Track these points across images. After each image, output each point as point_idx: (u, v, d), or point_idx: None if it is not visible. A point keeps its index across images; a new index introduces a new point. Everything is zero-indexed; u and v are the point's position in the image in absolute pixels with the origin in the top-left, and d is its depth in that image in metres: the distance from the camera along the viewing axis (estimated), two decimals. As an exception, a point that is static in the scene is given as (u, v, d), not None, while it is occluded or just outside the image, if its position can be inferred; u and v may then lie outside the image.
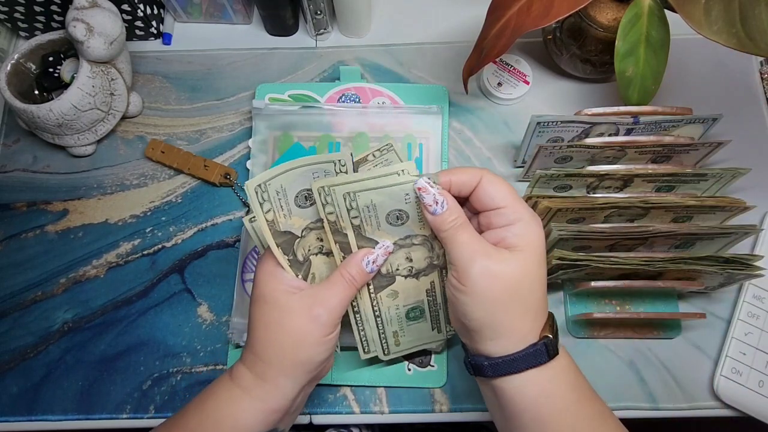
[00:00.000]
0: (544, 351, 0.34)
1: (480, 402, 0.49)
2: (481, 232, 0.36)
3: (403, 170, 0.36)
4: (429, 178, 0.36)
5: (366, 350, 0.45)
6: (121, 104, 0.57)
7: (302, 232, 0.39)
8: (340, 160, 0.37)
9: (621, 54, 0.46)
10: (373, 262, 0.39)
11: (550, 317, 0.36)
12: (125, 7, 0.57)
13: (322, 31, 0.62)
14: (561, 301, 0.52)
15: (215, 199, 0.57)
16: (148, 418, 0.50)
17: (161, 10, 0.63)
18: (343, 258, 0.39)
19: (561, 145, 0.47)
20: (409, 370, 0.50)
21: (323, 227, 0.39)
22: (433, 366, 0.50)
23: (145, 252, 0.55)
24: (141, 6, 0.58)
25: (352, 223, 0.38)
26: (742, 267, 0.43)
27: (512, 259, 0.34)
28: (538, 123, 0.48)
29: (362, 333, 0.44)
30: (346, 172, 0.38)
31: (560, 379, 0.35)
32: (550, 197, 0.47)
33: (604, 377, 0.50)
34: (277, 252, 0.38)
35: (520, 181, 0.56)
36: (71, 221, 0.56)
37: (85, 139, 0.56)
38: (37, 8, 0.57)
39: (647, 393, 0.49)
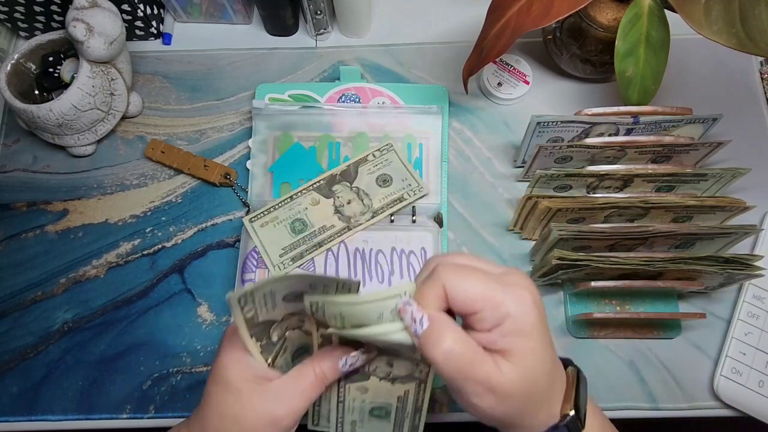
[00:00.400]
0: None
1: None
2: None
3: (405, 292, 0.31)
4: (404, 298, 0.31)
5: (315, 422, 0.41)
6: (121, 104, 0.57)
7: (283, 317, 0.37)
8: (340, 283, 0.34)
9: (621, 54, 0.46)
10: (351, 365, 0.35)
11: (575, 378, 0.32)
12: (125, 7, 0.57)
13: (322, 31, 0.62)
14: (561, 301, 0.52)
15: (215, 199, 0.57)
16: (148, 418, 0.50)
17: (161, 10, 0.63)
18: (320, 344, 0.37)
19: (561, 145, 0.47)
20: (409, 370, 0.50)
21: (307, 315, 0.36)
22: (433, 366, 0.50)
23: (145, 252, 0.55)
24: (141, 6, 0.58)
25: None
26: (742, 267, 0.43)
27: (510, 371, 0.29)
28: (538, 123, 0.48)
29: (317, 408, 0.41)
30: (347, 291, 0.34)
31: None
32: (550, 197, 0.47)
33: (604, 377, 0.50)
34: (250, 341, 0.35)
35: (520, 181, 0.56)
36: (71, 221, 0.56)
37: (85, 139, 0.56)
38: (37, 8, 0.57)
39: (647, 393, 0.49)
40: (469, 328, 0.30)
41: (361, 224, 0.50)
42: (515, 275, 0.31)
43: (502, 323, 0.29)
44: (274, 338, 0.37)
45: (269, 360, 0.37)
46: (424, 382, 0.38)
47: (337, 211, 0.51)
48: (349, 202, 0.51)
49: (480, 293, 0.29)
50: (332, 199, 0.52)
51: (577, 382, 0.32)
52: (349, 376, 0.38)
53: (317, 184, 0.53)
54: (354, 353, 0.36)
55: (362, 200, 0.51)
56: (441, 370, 0.29)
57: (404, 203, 0.52)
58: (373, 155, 0.43)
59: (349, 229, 0.48)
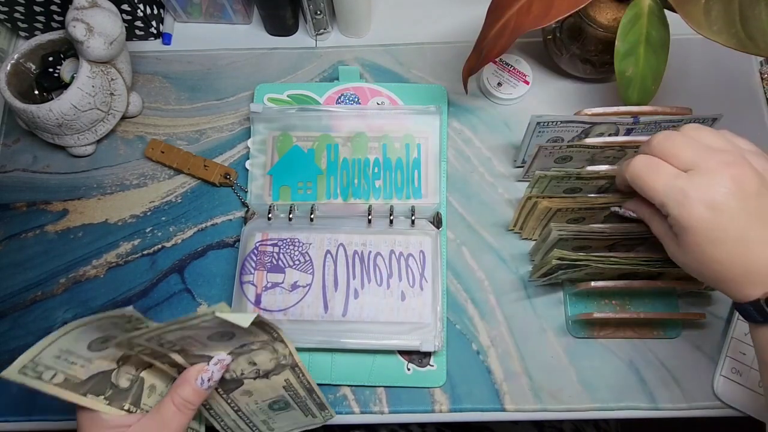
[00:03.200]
0: None
1: (480, 402, 0.49)
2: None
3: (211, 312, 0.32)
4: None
5: None
6: (121, 104, 0.57)
7: (118, 362, 0.36)
8: (125, 315, 0.33)
9: (621, 54, 0.46)
10: (209, 380, 0.35)
11: None
12: (125, 7, 0.57)
13: (321, 31, 0.62)
14: (561, 301, 0.52)
15: (215, 199, 0.57)
16: (148, 418, 0.50)
17: (161, 10, 0.63)
18: (178, 373, 0.36)
19: (561, 145, 0.47)
20: (409, 369, 0.50)
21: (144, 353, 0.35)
22: (432, 366, 0.50)
23: (145, 252, 0.55)
24: (141, 6, 0.58)
25: (174, 350, 0.35)
26: (742, 267, 0.43)
27: (686, 243, 0.34)
28: (538, 123, 0.48)
29: (222, 424, 0.41)
30: (136, 328, 0.34)
31: None
32: (550, 197, 0.47)
33: (604, 377, 0.50)
34: (86, 401, 0.34)
35: (520, 181, 0.56)
36: (71, 221, 0.56)
37: (85, 139, 0.56)
38: (37, 8, 0.57)
39: (647, 393, 0.49)
40: None
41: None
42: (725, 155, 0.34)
43: (665, 205, 0.34)
44: (124, 384, 0.36)
45: (127, 406, 0.36)
46: (296, 365, 0.38)
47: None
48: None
49: (661, 192, 0.34)
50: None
51: None
52: (226, 387, 0.39)
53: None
54: (206, 368, 0.35)
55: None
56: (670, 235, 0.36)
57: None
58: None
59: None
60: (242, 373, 0.38)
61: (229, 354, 0.36)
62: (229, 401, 0.40)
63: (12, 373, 0.31)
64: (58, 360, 0.33)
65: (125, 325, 0.34)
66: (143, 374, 0.38)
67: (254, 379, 0.39)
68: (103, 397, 0.35)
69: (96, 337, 0.34)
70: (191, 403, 0.35)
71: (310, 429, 0.45)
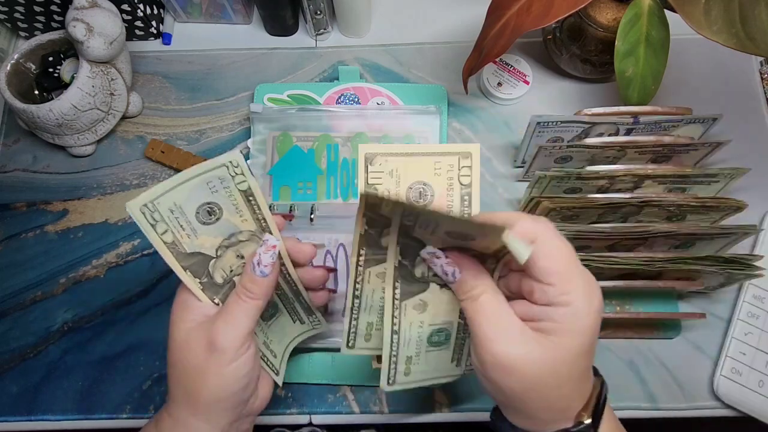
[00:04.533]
0: None
1: (480, 402, 0.49)
2: (518, 295, 0.31)
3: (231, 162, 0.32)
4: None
5: (350, 345, 0.38)
6: (121, 104, 0.57)
7: (217, 251, 0.35)
8: (231, 162, 0.33)
9: (621, 54, 0.46)
10: (260, 264, 0.34)
11: (599, 388, 0.31)
12: (125, 7, 0.57)
13: (322, 31, 0.62)
14: (561, 301, 0.52)
15: (215, 199, 0.57)
16: (148, 418, 0.50)
17: (161, 10, 0.63)
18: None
19: (561, 145, 0.47)
20: (409, 370, 0.50)
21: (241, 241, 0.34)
22: (433, 366, 0.50)
23: (145, 252, 0.55)
24: (141, 6, 0.58)
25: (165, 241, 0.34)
26: (742, 267, 0.43)
27: (539, 353, 0.28)
28: (538, 123, 0.48)
29: (352, 323, 0.37)
30: (242, 174, 0.33)
31: None
32: (550, 197, 0.47)
33: (604, 377, 0.50)
34: (185, 276, 0.34)
35: (520, 181, 0.56)
36: (71, 221, 0.56)
37: (85, 139, 0.56)
38: (37, 8, 0.57)
39: (647, 393, 0.49)
40: (519, 294, 0.30)
41: None
42: (591, 276, 0.30)
43: (558, 307, 0.28)
44: (218, 279, 0.35)
45: (217, 300, 0.36)
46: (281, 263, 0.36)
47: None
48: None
49: (560, 271, 0.28)
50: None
51: (599, 393, 0.31)
52: (405, 288, 0.34)
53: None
54: (256, 253, 0.34)
55: None
56: (466, 312, 0.29)
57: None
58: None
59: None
60: (434, 274, 0.34)
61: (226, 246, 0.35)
62: (395, 314, 0.36)
63: (134, 206, 0.31)
64: (171, 215, 0.33)
65: (230, 173, 0.33)
66: (235, 279, 0.36)
67: (440, 287, 0.35)
68: (198, 281, 0.35)
69: (204, 202, 0.34)
70: (249, 291, 0.34)
71: (440, 381, 0.39)
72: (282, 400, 0.50)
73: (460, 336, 0.37)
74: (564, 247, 0.29)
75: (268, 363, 0.40)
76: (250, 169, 0.55)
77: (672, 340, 0.51)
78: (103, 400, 0.50)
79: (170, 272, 0.53)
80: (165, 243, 0.33)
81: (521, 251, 0.27)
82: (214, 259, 0.35)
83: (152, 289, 0.54)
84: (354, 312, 0.37)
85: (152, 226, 0.32)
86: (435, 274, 0.34)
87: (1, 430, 0.51)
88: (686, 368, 0.50)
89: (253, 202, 0.35)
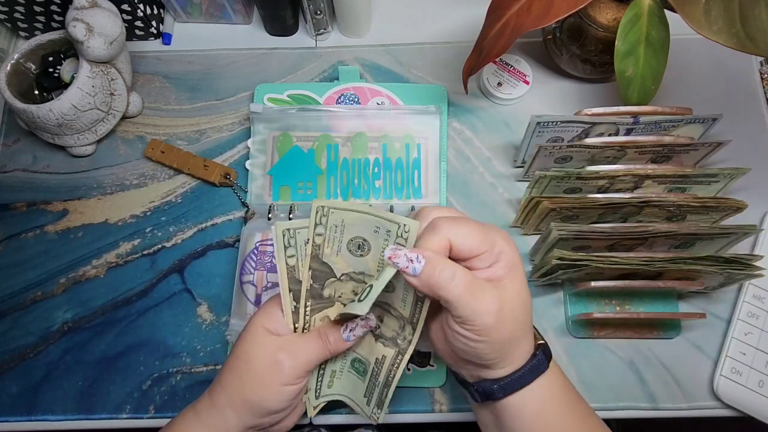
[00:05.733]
0: (543, 358, 0.34)
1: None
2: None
3: (405, 225, 0.34)
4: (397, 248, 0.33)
5: (318, 395, 0.43)
6: (121, 104, 0.57)
7: (341, 276, 0.39)
8: (405, 225, 0.34)
9: (621, 54, 0.46)
10: (351, 331, 0.38)
11: (539, 337, 0.37)
12: (125, 7, 0.57)
13: (322, 31, 0.62)
14: (561, 301, 0.52)
15: (215, 199, 0.57)
16: (148, 418, 0.50)
17: (161, 10, 0.63)
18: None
19: (561, 145, 0.47)
20: (409, 369, 0.50)
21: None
22: (432, 366, 0.50)
23: (145, 252, 0.55)
24: (141, 6, 0.58)
25: (314, 242, 0.38)
26: (742, 267, 0.43)
27: (507, 290, 0.33)
28: (538, 123, 0.48)
29: (322, 374, 0.43)
30: (406, 240, 0.35)
31: (557, 384, 0.35)
32: (550, 197, 0.47)
33: (604, 377, 0.50)
34: (287, 295, 0.38)
35: (519, 180, 0.56)
36: (71, 221, 0.56)
37: (85, 139, 0.56)
38: (37, 8, 0.57)
39: (647, 393, 0.49)
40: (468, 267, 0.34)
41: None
42: (492, 226, 0.35)
43: (499, 259, 0.33)
44: (326, 294, 0.40)
45: (296, 326, 0.40)
46: (402, 354, 0.39)
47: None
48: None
49: (482, 238, 0.33)
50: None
51: (542, 341, 0.36)
52: (314, 307, 0.40)
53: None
54: (354, 321, 0.39)
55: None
56: (449, 295, 0.32)
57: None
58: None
59: (401, 354, 0.40)
60: (340, 295, 0.40)
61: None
62: (307, 318, 0.41)
63: (280, 227, 0.36)
64: (304, 245, 0.38)
65: (399, 232, 0.35)
66: (315, 318, 0.41)
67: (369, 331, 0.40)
68: (294, 304, 0.39)
69: (360, 236, 0.37)
70: (330, 343, 0.39)
71: (352, 405, 0.44)
72: None
73: (372, 380, 0.41)
74: (467, 224, 0.33)
75: (319, 383, 0.43)
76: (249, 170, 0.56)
77: (672, 340, 0.51)
78: (103, 400, 0.50)
79: (170, 272, 0.54)
80: (287, 264, 0.38)
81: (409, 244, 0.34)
82: (334, 279, 0.39)
83: (152, 289, 0.54)
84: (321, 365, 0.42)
85: (285, 248, 0.37)
86: (340, 296, 0.40)
87: (1, 430, 0.51)
88: (686, 368, 0.50)
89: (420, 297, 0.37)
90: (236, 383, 0.38)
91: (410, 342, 0.38)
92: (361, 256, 0.38)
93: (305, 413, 0.43)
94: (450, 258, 0.33)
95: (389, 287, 0.37)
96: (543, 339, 0.36)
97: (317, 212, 0.36)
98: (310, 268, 0.39)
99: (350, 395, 0.43)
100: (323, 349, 0.39)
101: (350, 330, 0.39)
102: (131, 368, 0.51)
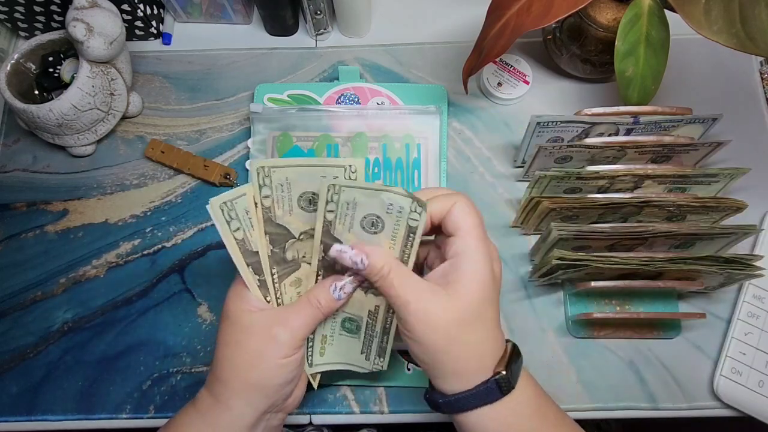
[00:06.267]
0: (495, 388, 0.33)
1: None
2: (436, 263, 0.36)
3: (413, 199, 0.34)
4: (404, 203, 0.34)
5: (310, 363, 0.42)
6: (121, 104, 0.57)
7: (300, 235, 0.38)
8: (350, 166, 0.36)
9: (621, 54, 0.46)
10: (341, 289, 0.38)
11: (511, 348, 0.35)
12: (125, 7, 0.57)
13: (322, 31, 0.62)
14: (561, 301, 0.52)
15: (215, 199, 0.57)
16: (148, 418, 0.50)
17: (161, 10, 0.63)
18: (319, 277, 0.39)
19: (561, 145, 0.47)
20: (409, 369, 0.50)
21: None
22: (433, 366, 0.50)
23: (145, 252, 0.55)
24: (141, 6, 0.58)
25: (326, 219, 0.37)
26: (742, 267, 0.43)
27: (448, 304, 0.32)
28: (538, 123, 0.48)
29: (312, 339, 0.41)
30: (356, 179, 0.36)
31: (519, 412, 0.34)
32: (550, 197, 0.47)
33: (604, 377, 0.50)
34: (247, 271, 0.37)
35: (519, 180, 0.56)
36: (71, 221, 0.56)
37: (85, 139, 0.56)
38: (37, 8, 0.57)
39: (647, 393, 0.49)
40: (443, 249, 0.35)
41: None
42: (493, 245, 0.36)
43: (458, 256, 0.33)
44: (289, 257, 0.39)
45: (269, 298, 0.39)
46: None
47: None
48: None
49: (466, 227, 0.33)
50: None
51: (512, 354, 0.35)
52: (329, 268, 0.39)
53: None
54: (342, 277, 0.38)
55: None
56: (383, 290, 0.34)
57: (419, 231, 0.36)
58: (329, 204, 0.36)
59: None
60: (303, 255, 0.39)
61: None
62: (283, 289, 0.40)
63: (215, 202, 0.34)
64: (246, 215, 0.36)
65: (346, 175, 0.36)
66: (303, 264, 0.40)
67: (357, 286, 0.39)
68: (258, 278, 0.38)
69: (309, 191, 0.37)
70: (322, 306, 0.38)
71: (353, 369, 0.43)
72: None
73: (368, 333, 0.41)
74: (474, 214, 0.34)
75: (309, 352, 0.42)
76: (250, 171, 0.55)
77: (672, 340, 0.51)
78: (103, 400, 0.50)
79: (170, 272, 0.54)
80: (235, 239, 0.36)
81: (439, 202, 0.34)
82: (294, 240, 0.39)
83: (152, 289, 0.54)
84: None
85: (227, 222, 0.35)
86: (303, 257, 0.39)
87: (1, 430, 0.51)
88: (686, 368, 0.50)
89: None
90: (236, 372, 0.36)
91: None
92: (314, 211, 0.37)
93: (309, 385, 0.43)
94: (442, 226, 0.35)
95: (377, 226, 0.36)
96: (510, 369, 0.34)
97: (258, 174, 0.35)
98: (266, 233, 0.37)
99: (345, 360, 0.43)
100: (315, 312, 0.37)
101: (340, 288, 0.38)
102: (131, 368, 0.51)
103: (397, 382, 0.50)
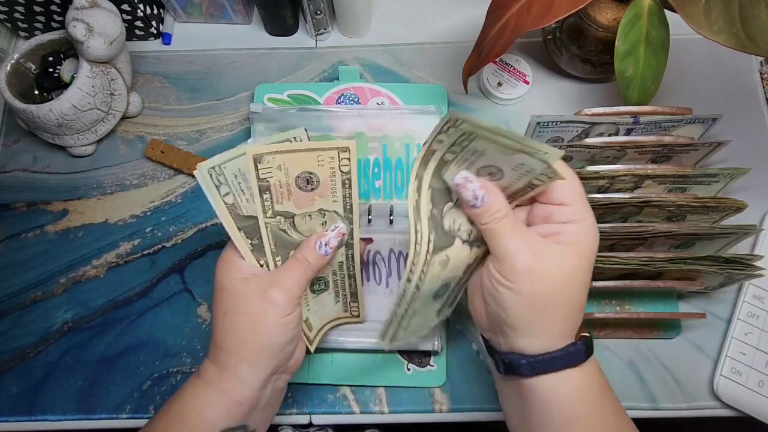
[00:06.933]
0: (583, 351, 0.33)
1: (480, 402, 0.49)
2: (531, 223, 0.35)
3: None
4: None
5: (394, 337, 0.40)
6: (121, 104, 0.57)
7: (275, 216, 0.39)
8: (295, 138, 0.37)
9: (621, 54, 0.46)
10: (326, 245, 0.38)
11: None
12: (125, 7, 0.57)
13: (322, 31, 0.62)
14: (561, 301, 0.52)
15: (215, 199, 0.57)
16: (148, 418, 0.50)
17: (161, 10, 0.63)
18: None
19: (561, 145, 0.47)
20: (409, 369, 0.50)
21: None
22: (432, 366, 0.50)
23: (145, 252, 0.55)
24: (141, 6, 0.58)
25: (442, 158, 0.33)
26: (742, 267, 0.43)
27: (563, 257, 0.32)
28: (538, 123, 0.48)
29: (402, 314, 0.38)
30: (349, 159, 0.37)
31: (592, 379, 0.34)
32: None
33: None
34: (239, 236, 0.37)
35: (520, 181, 0.56)
36: (71, 221, 0.56)
37: (85, 139, 0.56)
38: (37, 8, 0.57)
39: (647, 393, 0.49)
40: (544, 217, 0.34)
41: None
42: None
43: (574, 222, 0.33)
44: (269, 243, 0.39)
45: (263, 261, 0.39)
46: (350, 248, 0.40)
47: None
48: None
49: (577, 194, 0.33)
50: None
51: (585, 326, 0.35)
52: (438, 243, 0.35)
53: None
54: (326, 233, 0.39)
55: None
56: (491, 234, 0.33)
57: (537, 190, 0.34)
58: (443, 145, 0.33)
59: (350, 249, 0.42)
60: (459, 228, 0.36)
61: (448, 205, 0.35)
62: (424, 270, 0.36)
63: (203, 168, 0.34)
64: (235, 180, 0.36)
65: (337, 160, 0.37)
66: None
67: (462, 242, 0.36)
68: (250, 242, 0.38)
69: (307, 171, 0.37)
70: (311, 263, 0.38)
71: (424, 340, 0.43)
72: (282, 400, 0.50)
73: (454, 288, 0.38)
74: (577, 179, 0.34)
75: (304, 332, 0.42)
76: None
77: (672, 340, 0.51)
78: (103, 400, 0.50)
79: (170, 272, 0.54)
80: (225, 204, 0.36)
81: (562, 171, 0.32)
82: (299, 218, 0.39)
83: (152, 289, 0.54)
84: (411, 302, 0.37)
85: (216, 187, 0.36)
86: (459, 228, 0.36)
87: (1, 430, 0.51)
88: (686, 368, 0.50)
89: (347, 186, 0.38)
90: (239, 338, 0.37)
91: (352, 233, 0.39)
92: (312, 190, 0.38)
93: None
94: (537, 200, 0.34)
95: (495, 176, 0.34)
96: (588, 333, 0.35)
97: (211, 175, 0.35)
98: (239, 229, 0.37)
99: (328, 316, 0.44)
100: (306, 269, 0.38)
101: (325, 244, 0.38)
102: (131, 368, 0.51)
103: (397, 382, 0.50)
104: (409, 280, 0.35)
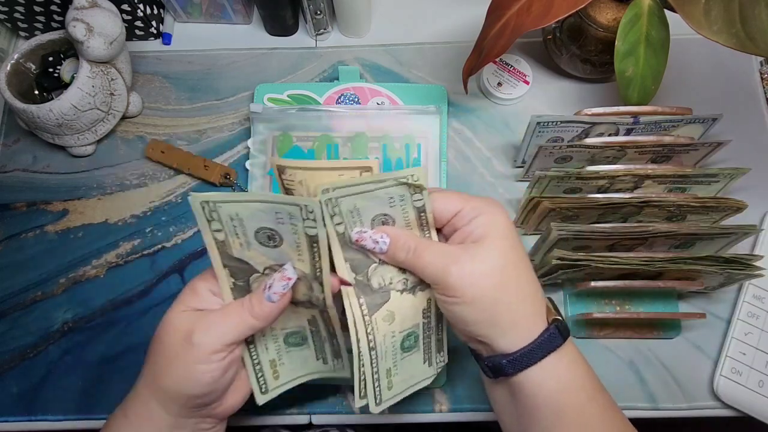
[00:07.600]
0: (557, 333, 0.33)
1: (480, 402, 0.49)
2: (450, 243, 0.35)
3: (412, 175, 0.33)
4: (363, 230, 0.35)
5: (362, 394, 0.37)
6: (121, 104, 0.57)
7: (264, 270, 0.36)
8: (306, 206, 0.32)
9: (621, 54, 0.46)
10: (269, 289, 0.34)
11: (549, 301, 0.35)
12: (125, 7, 0.57)
13: (322, 31, 0.62)
14: (561, 301, 0.52)
15: (215, 199, 0.57)
16: (148, 418, 0.50)
17: (161, 10, 0.63)
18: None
19: (561, 145, 0.47)
20: (409, 370, 0.50)
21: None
22: (432, 366, 0.50)
23: (145, 252, 0.55)
24: (141, 6, 0.58)
25: (337, 232, 0.34)
26: (742, 267, 0.43)
27: (486, 249, 0.33)
28: (538, 123, 0.48)
29: (362, 370, 0.36)
30: (314, 220, 0.33)
31: (576, 367, 0.34)
32: (550, 198, 0.47)
33: (604, 377, 0.49)
34: (222, 273, 0.35)
35: (519, 180, 0.56)
36: (71, 221, 0.56)
37: (85, 139, 0.56)
38: (37, 8, 0.57)
39: (647, 393, 0.49)
40: (452, 233, 0.35)
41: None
42: (488, 197, 0.36)
43: (476, 217, 0.34)
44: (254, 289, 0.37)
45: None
46: (325, 311, 0.36)
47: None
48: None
49: (459, 199, 0.34)
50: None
51: (556, 308, 0.35)
52: (371, 302, 0.36)
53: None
54: (271, 277, 0.35)
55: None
56: (415, 267, 0.34)
57: (427, 207, 0.35)
58: (335, 218, 0.34)
59: (325, 312, 0.37)
60: (390, 282, 0.36)
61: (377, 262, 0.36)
62: (369, 330, 0.36)
63: (196, 198, 0.32)
64: (229, 221, 0.34)
65: (303, 215, 0.33)
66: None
67: (401, 292, 0.36)
68: (233, 281, 0.36)
69: (265, 227, 0.34)
70: (254, 308, 0.34)
71: (419, 386, 0.40)
72: (282, 400, 0.50)
73: (426, 334, 0.39)
74: (451, 191, 0.36)
75: (261, 380, 0.39)
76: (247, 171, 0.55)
77: (672, 340, 0.51)
78: (103, 400, 0.50)
79: (170, 272, 0.54)
80: (215, 240, 0.34)
81: (424, 183, 0.34)
82: (259, 274, 0.36)
83: (152, 289, 0.54)
84: (373, 363, 0.37)
85: (208, 221, 0.34)
86: (390, 282, 0.37)
87: (1, 430, 0.51)
88: (686, 368, 0.50)
89: (315, 249, 0.34)
90: (153, 370, 0.34)
91: (324, 298, 0.35)
92: (276, 247, 0.35)
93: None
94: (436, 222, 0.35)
95: (388, 222, 0.35)
96: (560, 315, 0.34)
97: (203, 208, 0.33)
98: (224, 266, 0.35)
99: (305, 371, 0.41)
100: (243, 315, 0.34)
101: (268, 287, 0.34)
102: (131, 368, 0.51)
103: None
104: (358, 341, 0.36)
